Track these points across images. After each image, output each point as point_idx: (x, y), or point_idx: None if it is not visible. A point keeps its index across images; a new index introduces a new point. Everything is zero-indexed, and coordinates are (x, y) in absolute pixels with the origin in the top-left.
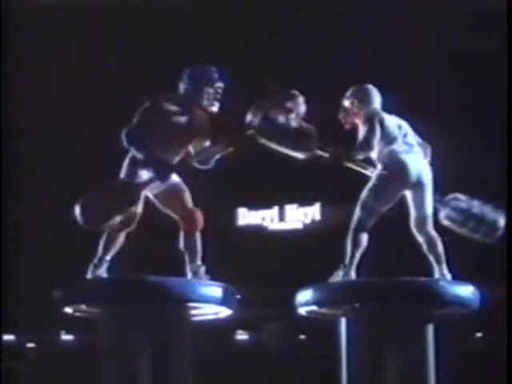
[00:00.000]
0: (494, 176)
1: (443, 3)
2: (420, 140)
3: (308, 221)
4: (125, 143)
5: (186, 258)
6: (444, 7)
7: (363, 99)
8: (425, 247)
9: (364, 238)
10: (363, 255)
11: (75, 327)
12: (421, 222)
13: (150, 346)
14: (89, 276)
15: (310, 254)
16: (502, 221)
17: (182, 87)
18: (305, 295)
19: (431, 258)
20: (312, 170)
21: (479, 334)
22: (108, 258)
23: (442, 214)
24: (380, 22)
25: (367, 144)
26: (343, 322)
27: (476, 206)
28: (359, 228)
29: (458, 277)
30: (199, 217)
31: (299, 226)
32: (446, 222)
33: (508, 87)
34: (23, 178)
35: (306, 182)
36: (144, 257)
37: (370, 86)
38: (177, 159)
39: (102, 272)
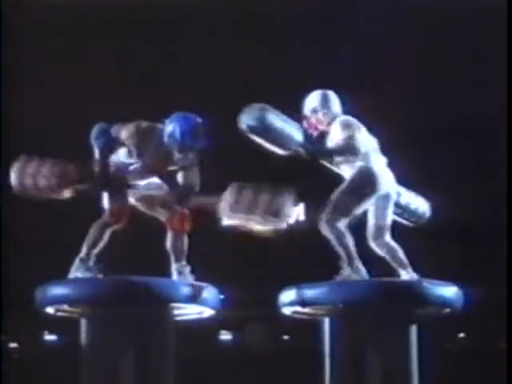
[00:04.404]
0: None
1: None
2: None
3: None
4: (92, 138)
5: (172, 258)
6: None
7: (326, 105)
8: (387, 257)
9: (346, 231)
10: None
11: (58, 327)
12: (379, 231)
13: (133, 346)
14: (75, 271)
15: (293, 254)
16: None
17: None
18: (288, 295)
19: (395, 265)
20: (297, 170)
21: (462, 335)
22: (94, 252)
23: None
24: (373, 25)
25: (353, 148)
26: (327, 322)
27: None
28: (334, 224)
29: (442, 277)
30: (187, 217)
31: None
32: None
33: (508, 98)
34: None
35: (290, 183)
36: (128, 256)
37: (331, 92)
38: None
39: (90, 266)
